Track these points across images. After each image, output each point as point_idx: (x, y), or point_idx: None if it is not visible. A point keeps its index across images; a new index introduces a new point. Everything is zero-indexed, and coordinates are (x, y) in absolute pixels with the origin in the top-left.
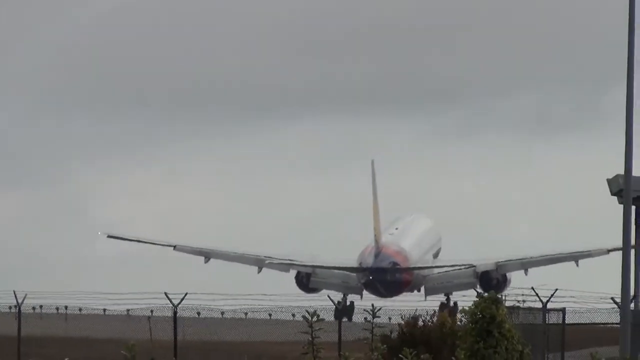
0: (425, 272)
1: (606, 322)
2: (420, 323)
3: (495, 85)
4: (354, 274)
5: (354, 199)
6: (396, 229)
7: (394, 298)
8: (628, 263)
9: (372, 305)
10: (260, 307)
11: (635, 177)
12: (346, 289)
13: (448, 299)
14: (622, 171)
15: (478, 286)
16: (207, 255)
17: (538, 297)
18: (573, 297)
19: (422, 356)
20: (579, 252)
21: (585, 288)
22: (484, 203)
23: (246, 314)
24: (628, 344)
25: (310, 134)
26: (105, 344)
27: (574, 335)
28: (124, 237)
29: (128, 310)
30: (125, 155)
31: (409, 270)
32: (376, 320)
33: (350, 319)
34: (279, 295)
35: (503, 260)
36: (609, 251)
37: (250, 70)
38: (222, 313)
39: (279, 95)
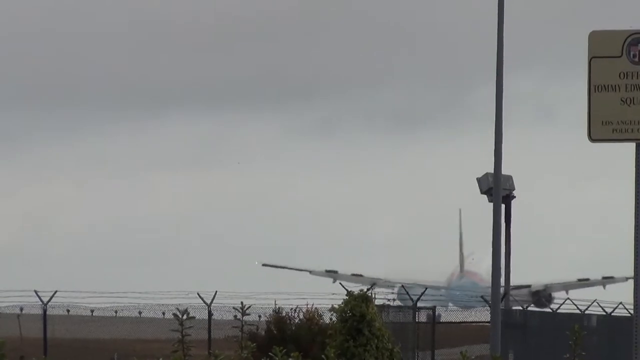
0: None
1: (477, 320)
2: (289, 320)
3: (360, 81)
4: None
5: (220, 197)
6: (472, 259)
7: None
8: (498, 262)
9: (242, 303)
10: (130, 304)
11: (504, 175)
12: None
13: None
14: (491, 169)
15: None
16: (335, 277)
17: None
18: (442, 295)
19: (291, 354)
20: (607, 277)
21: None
22: (351, 203)
23: (116, 312)
24: (498, 343)
25: (173, 132)
26: None
27: (444, 334)
28: (277, 265)
29: None
30: None
31: (484, 288)
32: (246, 318)
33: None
34: (149, 293)
35: (550, 283)
36: (627, 279)
37: (115, 68)
38: (92, 311)
39: (142, 92)
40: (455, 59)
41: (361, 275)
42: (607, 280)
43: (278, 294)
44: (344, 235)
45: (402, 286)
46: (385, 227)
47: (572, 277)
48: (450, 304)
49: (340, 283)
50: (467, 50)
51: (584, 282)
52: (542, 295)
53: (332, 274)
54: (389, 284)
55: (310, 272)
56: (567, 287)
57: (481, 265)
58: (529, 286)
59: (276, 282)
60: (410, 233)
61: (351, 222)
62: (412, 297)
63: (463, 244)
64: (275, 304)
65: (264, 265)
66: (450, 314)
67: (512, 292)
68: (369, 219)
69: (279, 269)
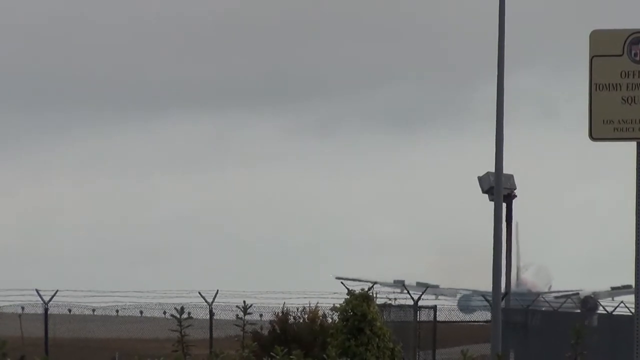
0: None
1: (477, 319)
2: (292, 320)
3: (360, 81)
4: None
5: (220, 197)
6: (526, 269)
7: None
8: (499, 261)
9: (244, 302)
10: (131, 304)
11: (505, 174)
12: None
13: None
14: (492, 169)
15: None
16: (402, 288)
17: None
18: (445, 295)
19: (293, 352)
20: None
21: None
22: (351, 203)
23: (117, 311)
24: (499, 342)
25: (173, 132)
26: None
27: (445, 333)
28: (352, 277)
29: None
30: None
31: (538, 294)
32: (248, 317)
33: None
34: (150, 292)
35: (597, 290)
36: None
37: (115, 68)
38: (93, 310)
39: (142, 92)
40: (456, 58)
41: (427, 284)
42: None
43: (280, 293)
44: (344, 236)
45: (404, 285)
46: (386, 228)
47: (573, 278)
48: None
49: (342, 282)
50: (468, 48)
51: (629, 290)
52: (589, 302)
53: (399, 284)
54: (451, 292)
55: (381, 283)
56: (613, 294)
57: (532, 275)
58: (577, 293)
59: (277, 281)
60: (410, 234)
61: (352, 222)
62: (473, 305)
63: (520, 255)
64: (284, 304)
65: (337, 278)
66: (449, 313)
67: (562, 299)
68: (369, 220)
69: (353, 281)
